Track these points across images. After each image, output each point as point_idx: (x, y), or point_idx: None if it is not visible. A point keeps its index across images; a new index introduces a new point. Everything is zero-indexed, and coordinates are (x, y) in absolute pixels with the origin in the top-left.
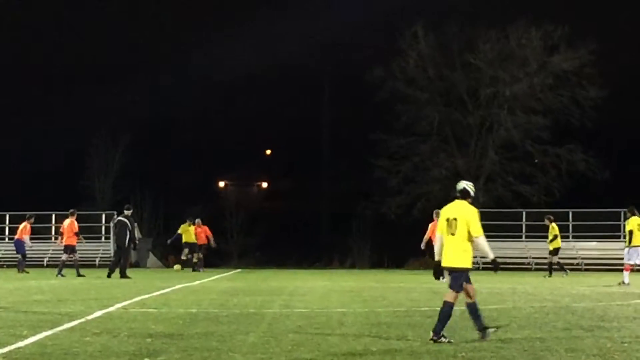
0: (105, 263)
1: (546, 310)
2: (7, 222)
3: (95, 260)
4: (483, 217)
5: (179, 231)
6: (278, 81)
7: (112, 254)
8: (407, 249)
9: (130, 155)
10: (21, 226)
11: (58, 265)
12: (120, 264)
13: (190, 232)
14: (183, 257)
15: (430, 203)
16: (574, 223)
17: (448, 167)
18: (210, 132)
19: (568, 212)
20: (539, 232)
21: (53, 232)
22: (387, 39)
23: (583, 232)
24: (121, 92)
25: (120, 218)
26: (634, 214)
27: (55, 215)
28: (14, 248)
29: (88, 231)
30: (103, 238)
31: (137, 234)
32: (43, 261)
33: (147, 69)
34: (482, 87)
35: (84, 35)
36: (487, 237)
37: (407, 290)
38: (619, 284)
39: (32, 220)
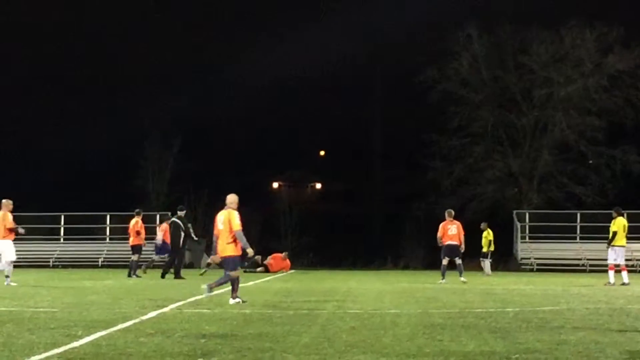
0: (159, 264)
1: (600, 312)
2: (62, 222)
3: (146, 261)
4: (537, 218)
5: None
6: (331, 82)
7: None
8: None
9: (185, 156)
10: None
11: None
12: (174, 264)
13: None
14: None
15: (483, 204)
16: (629, 224)
17: (501, 168)
18: (264, 133)
19: (623, 214)
20: (593, 234)
21: (108, 233)
22: (440, 40)
23: (637, 234)
24: (176, 93)
25: (173, 219)
26: (620, 215)
27: (110, 215)
28: (70, 249)
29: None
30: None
31: (192, 235)
32: (98, 261)
33: (202, 70)
34: (535, 88)
35: (145, 38)
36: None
37: (461, 292)
38: (605, 284)
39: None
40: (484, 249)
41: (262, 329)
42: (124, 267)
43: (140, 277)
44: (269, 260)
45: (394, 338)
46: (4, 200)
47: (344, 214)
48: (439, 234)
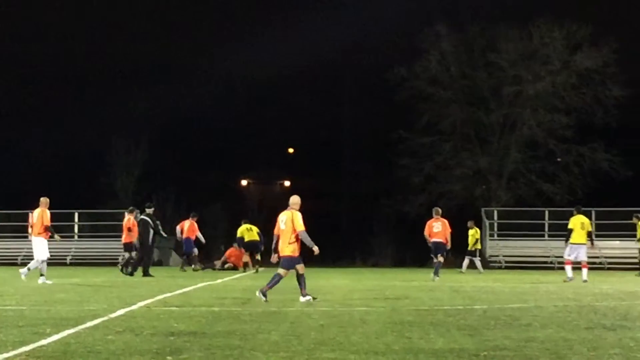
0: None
1: (569, 309)
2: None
3: (118, 259)
4: (506, 215)
5: (239, 235)
6: (301, 80)
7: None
8: (430, 247)
9: (153, 153)
10: (187, 225)
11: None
12: (143, 262)
13: (253, 232)
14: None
15: (452, 202)
16: (597, 222)
17: (470, 165)
18: (233, 131)
19: (591, 211)
20: (561, 231)
21: (76, 230)
22: (410, 38)
23: (606, 231)
24: (144, 91)
25: (142, 217)
26: (579, 213)
27: (79, 213)
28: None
29: (111, 229)
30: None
31: (161, 232)
32: (66, 259)
33: (170, 68)
34: (504, 86)
35: (108, 36)
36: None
37: (430, 289)
38: (564, 281)
39: (197, 218)
40: (470, 247)
41: (230, 327)
42: (93, 264)
43: (133, 275)
44: (231, 259)
45: (362, 335)
46: (42, 198)
47: (313, 212)
48: (426, 232)
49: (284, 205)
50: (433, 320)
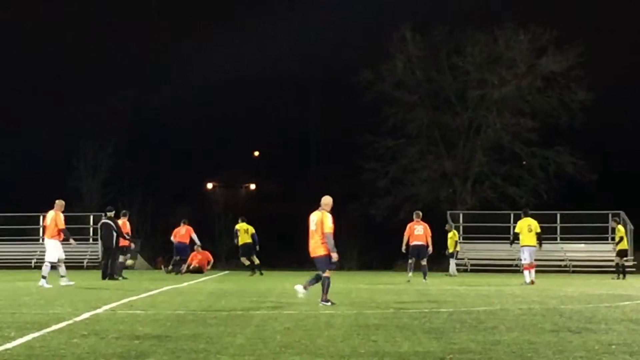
0: (93, 265)
1: (534, 312)
2: None
3: (83, 262)
4: (471, 218)
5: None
6: (266, 83)
7: (100, 256)
8: (396, 250)
9: (119, 156)
10: (183, 230)
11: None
12: (109, 265)
13: (248, 234)
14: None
15: (418, 204)
16: (561, 225)
17: (436, 169)
18: (198, 134)
19: (556, 214)
20: None
21: (41, 233)
22: (375, 42)
23: (571, 234)
24: (109, 93)
25: (104, 220)
26: (526, 216)
27: (44, 216)
28: (2, 250)
29: (76, 232)
30: (91, 240)
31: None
32: (31, 262)
33: (136, 71)
34: (470, 90)
35: (74, 38)
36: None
37: (396, 292)
38: (522, 284)
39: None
40: (450, 250)
41: (196, 330)
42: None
43: (126, 278)
44: (194, 263)
45: (328, 339)
46: (57, 201)
47: (278, 215)
48: (406, 234)
49: (249, 208)
50: (399, 324)
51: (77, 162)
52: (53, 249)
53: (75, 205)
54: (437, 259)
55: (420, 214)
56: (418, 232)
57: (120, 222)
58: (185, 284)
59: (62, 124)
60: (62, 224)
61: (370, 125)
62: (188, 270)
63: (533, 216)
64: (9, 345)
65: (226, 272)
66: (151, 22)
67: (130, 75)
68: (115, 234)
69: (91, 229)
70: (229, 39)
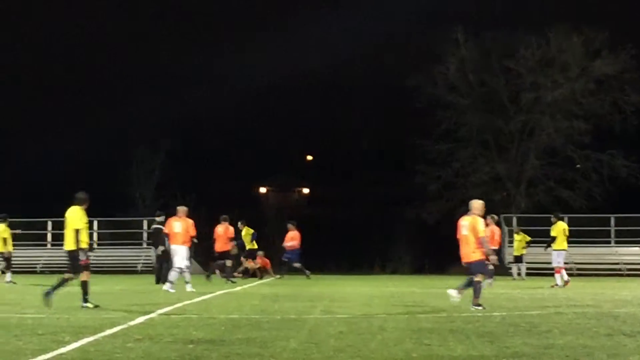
0: (146, 269)
1: (588, 316)
2: (50, 228)
3: (137, 267)
4: (524, 222)
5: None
6: (319, 87)
7: (154, 261)
8: (448, 254)
9: (172, 161)
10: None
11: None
12: (163, 269)
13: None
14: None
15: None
16: (616, 228)
17: (488, 172)
18: (251, 138)
19: (610, 218)
20: (580, 237)
21: (95, 238)
22: (427, 44)
23: (625, 238)
24: (161, 98)
25: (155, 225)
26: (559, 219)
27: (98, 222)
28: (57, 255)
29: (129, 237)
30: (145, 244)
31: None
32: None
33: (190, 74)
34: (523, 93)
35: (129, 40)
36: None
37: (448, 296)
38: (552, 286)
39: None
40: (516, 253)
41: (250, 334)
42: (111, 272)
43: (235, 282)
44: (253, 265)
45: (381, 343)
46: (182, 207)
47: (331, 219)
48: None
49: (303, 213)
50: (452, 328)
51: (130, 167)
52: (183, 255)
53: (128, 210)
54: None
55: (496, 218)
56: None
57: (221, 227)
58: (239, 288)
59: (116, 129)
60: (193, 231)
61: (422, 129)
62: (245, 274)
63: (588, 219)
64: (63, 350)
65: (278, 276)
66: (203, 22)
67: (186, 78)
68: (167, 239)
69: (144, 234)
70: (281, 41)
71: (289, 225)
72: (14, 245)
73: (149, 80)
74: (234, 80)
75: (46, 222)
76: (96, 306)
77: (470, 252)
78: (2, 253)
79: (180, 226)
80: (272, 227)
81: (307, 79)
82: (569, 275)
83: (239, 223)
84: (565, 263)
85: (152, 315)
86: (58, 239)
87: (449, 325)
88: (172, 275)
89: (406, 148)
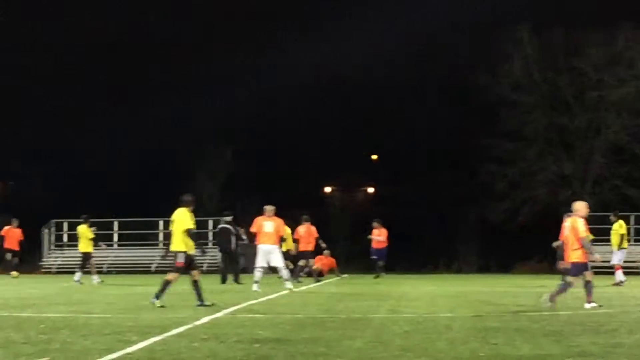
0: (211, 269)
1: None
2: (116, 228)
3: (202, 266)
4: (590, 220)
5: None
6: (383, 86)
7: (220, 261)
8: (514, 253)
9: (237, 160)
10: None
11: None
12: (230, 269)
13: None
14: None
15: (537, 207)
16: None
17: (554, 171)
18: (316, 138)
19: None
20: None
21: (161, 238)
22: (492, 42)
23: None
24: (227, 97)
25: (222, 225)
26: (619, 219)
27: (163, 221)
28: (123, 255)
29: (195, 237)
30: (211, 244)
31: (242, 237)
32: (151, 267)
33: (253, 72)
34: (588, 91)
35: (193, 37)
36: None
37: (515, 295)
38: (615, 284)
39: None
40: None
41: (315, 334)
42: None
43: (320, 281)
44: (319, 265)
45: (447, 342)
46: (270, 206)
47: (396, 218)
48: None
49: (369, 212)
50: (518, 327)
51: (196, 166)
52: (277, 255)
53: (195, 210)
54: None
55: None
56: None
57: (303, 227)
58: (304, 287)
59: (181, 128)
60: (282, 231)
61: (487, 128)
62: (309, 274)
63: None
64: (130, 349)
65: (345, 275)
66: (273, 20)
67: (252, 76)
68: (234, 238)
69: (210, 234)
70: (346, 38)
71: (374, 224)
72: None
73: (214, 80)
74: (300, 78)
75: (112, 222)
76: (162, 306)
77: (570, 253)
78: (85, 253)
79: (271, 226)
80: (337, 226)
81: (373, 78)
82: (633, 273)
83: None
84: (628, 261)
85: (218, 314)
86: (124, 239)
87: (515, 324)
88: (284, 273)
89: (471, 147)
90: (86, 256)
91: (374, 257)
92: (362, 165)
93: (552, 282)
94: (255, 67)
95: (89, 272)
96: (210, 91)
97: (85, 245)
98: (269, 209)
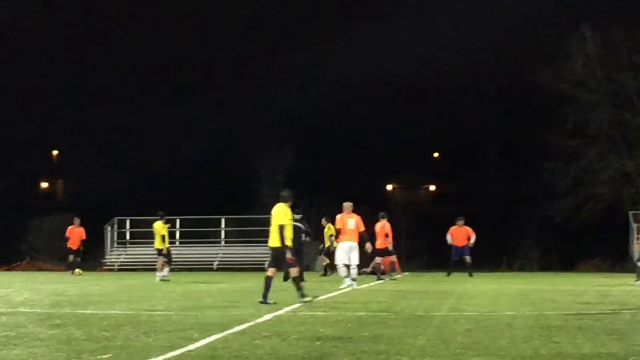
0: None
1: None
2: (178, 226)
3: (264, 264)
4: None
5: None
6: (444, 83)
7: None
8: (577, 251)
9: (298, 158)
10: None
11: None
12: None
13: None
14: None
15: (599, 205)
16: None
17: (617, 169)
18: (378, 135)
19: None
20: None
21: (223, 236)
22: (554, 40)
23: None
24: (289, 94)
25: (293, 223)
26: None
27: (225, 219)
28: (186, 253)
29: (257, 235)
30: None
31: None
32: (213, 265)
33: (316, 70)
34: None
35: (257, 36)
36: None
37: (577, 293)
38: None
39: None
40: None
41: (376, 331)
42: (240, 269)
43: (396, 279)
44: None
45: (509, 340)
46: (348, 203)
47: (458, 216)
48: None
49: (430, 210)
50: (580, 325)
51: (257, 164)
52: (356, 252)
53: (255, 208)
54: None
55: None
56: None
57: (379, 224)
58: (366, 285)
59: (242, 125)
60: (363, 227)
61: (549, 125)
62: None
63: None
64: (191, 347)
65: (406, 273)
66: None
67: (313, 73)
68: (303, 236)
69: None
70: (405, 36)
71: (458, 221)
72: (140, 244)
73: (277, 77)
74: (362, 76)
75: (175, 219)
76: (274, 303)
77: None
78: (159, 250)
79: (353, 222)
80: (399, 224)
81: (435, 76)
82: None
83: (323, 219)
84: None
85: (279, 312)
86: (186, 236)
87: (577, 322)
88: (353, 271)
89: (533, 144)
90: (161, 252)
91: (457, 256)
92: (423, 163)
93: (614, 281)
94: (319, 65)
95: (169, 269)
96: (273, 89)
97: (159, 242)
98: (349, 205)
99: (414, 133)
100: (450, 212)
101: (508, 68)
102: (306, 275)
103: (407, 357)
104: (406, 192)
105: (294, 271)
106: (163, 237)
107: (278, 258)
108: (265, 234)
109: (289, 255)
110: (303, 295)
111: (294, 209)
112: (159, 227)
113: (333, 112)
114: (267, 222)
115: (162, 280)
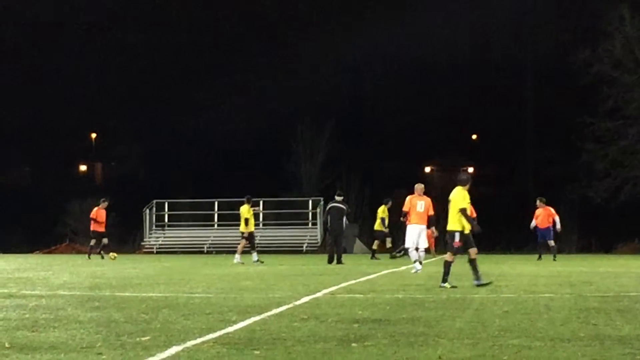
0: (311, 249)
1: None
2: (217, 208)
3: (302, 247)
4: None
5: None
6: (483, 63)
7: (319, 240)
8: (616, 233)
9: (336, 140)
10: None
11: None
12: (338, 249)
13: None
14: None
15: (639, 187)
16: None
17: None
18: (417, 118)
19: None
20: None
21: (261, 219)
22: (593, 20)
23: None
24: (330, 76)
25: (335, 204)
26: None
27: (263, 202)
28: (223, 235)
29: (295, 217)
30: (310, 224)
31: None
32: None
33: (356, 53)
34: None
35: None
36: None
37: (616, 275)
38: None
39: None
40: None
41: (415, 314)
42: (276, 252)
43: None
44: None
45: (547, 322)
46: (419, 185)
47: (496, 198)
48: None
49: (468, 192)
50: (619, 307)
51: (295, 146)
52: (423, 235)
53: (293, 190)
54: None
55: None
56: None
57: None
58: (404, 267)
59: (280, 107)
60: (433, 210)
61: (588, 107)
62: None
63: None
64: (230, 329)
65: (441, 256)
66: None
67: (351, 57)
68: (345, 218)
69: (310, 214)
70: (444, 19)
71: (539, 203)
72: (180, 226)
73: (315, 59)
74: (402, 59)
75: (213, 202)
76: (453, 287)
77: None
78: (242, 233)
79: (422, 205)
80: (437, 206)
81: (473, 57)
82: None
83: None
84: None
85: (317, 294)
86: (223, 219)
87: (616, 304)
88: (421, 254)
89: (572, 126)
90: (244, 235)
91: (541, 239)
92: (462, 145)
93: None
94: (360, 47)
95: (248, 252)
96: (316, 70)
97: (243, 225)
98: (420, 187)
99: (452, 115)
100: (488, 194)
101: (547, 49)
102: (345, 257)
103: (445, 340)
104: (444, 175)
105: (451, 257)
106: (247, 220)
107: (466, 242)
108: (304, 216)
109: (457, 239)
110: (478, 278)
111: (334, 190)
112: (245, 211)
113: (373, 93)
114: (305, 205)
115: (255, 262)
